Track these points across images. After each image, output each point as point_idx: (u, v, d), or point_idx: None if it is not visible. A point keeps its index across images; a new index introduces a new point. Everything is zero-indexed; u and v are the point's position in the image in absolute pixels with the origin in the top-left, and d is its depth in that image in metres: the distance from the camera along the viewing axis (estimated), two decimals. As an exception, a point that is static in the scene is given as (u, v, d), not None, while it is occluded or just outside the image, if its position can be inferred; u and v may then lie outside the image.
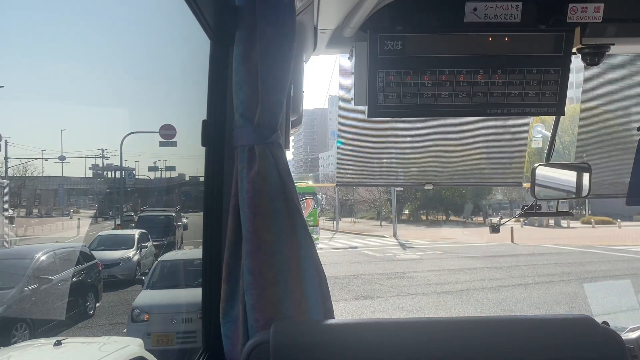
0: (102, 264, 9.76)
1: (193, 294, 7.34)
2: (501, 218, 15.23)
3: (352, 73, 1.88)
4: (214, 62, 1.64)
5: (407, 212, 47.12)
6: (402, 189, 37.65)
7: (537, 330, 1.26)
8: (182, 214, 18.60)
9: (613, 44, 1.88)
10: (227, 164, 1.66)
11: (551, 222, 34.98)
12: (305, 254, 1.50)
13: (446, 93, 1.82)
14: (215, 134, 1.66)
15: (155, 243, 13.45)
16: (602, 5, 1.75)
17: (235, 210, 1.49)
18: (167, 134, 16.02)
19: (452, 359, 1.22)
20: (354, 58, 1.86)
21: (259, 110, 1.44)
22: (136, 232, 12.96)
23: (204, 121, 1.64)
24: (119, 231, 15.45)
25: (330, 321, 1.36)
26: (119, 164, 20.09)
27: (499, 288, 13.22)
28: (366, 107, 1.84)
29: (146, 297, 7.66)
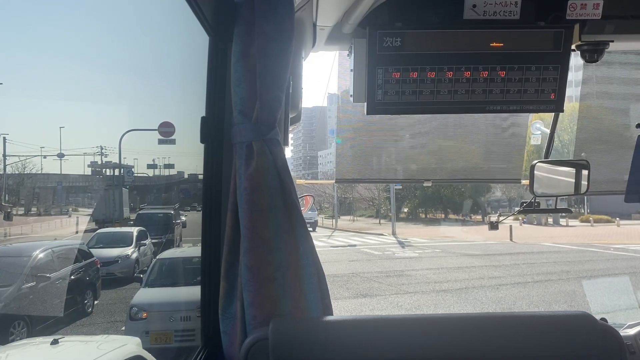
0: (101, 262, 9.73)
1: (191, 292, 7.34)
2: (499, 215, 15.16)
3: (351, 70, 1.87)
4: (213, 59, 1.64)
5: (406, 210, 47.16)
6: (401, 186, 37.68)
7: (535, 327, 1.26)
8: (181, 212, 18.58)
9: (612, 41, 1.89)
10: (226, 161, 1.65)
11: (550, 220, 35.06)
12: (304, 251, 1.50)
13: (445, 90, 1.81)
14: (214, 131, 1.65)
15: (153, 241, 13.42)
16: (601, 2, 1.75)
17: (234, 207, 1.49)
18: (166, 131, 15.98)
19: (450, 355, 1.22)
20: (353, 55, 1.85)
21: (258, 106, 1.44)
22: (135, 230, 12.94)
23: (202, 118, 1.64)
24: (118, 229, 15.42)
25: (329, 318, 1.36)
26: (118, 162, 20.07)
27: (497, 286, 13.23)
28: (365, 104, 1.84)
29: (145, 295, 7.65)
